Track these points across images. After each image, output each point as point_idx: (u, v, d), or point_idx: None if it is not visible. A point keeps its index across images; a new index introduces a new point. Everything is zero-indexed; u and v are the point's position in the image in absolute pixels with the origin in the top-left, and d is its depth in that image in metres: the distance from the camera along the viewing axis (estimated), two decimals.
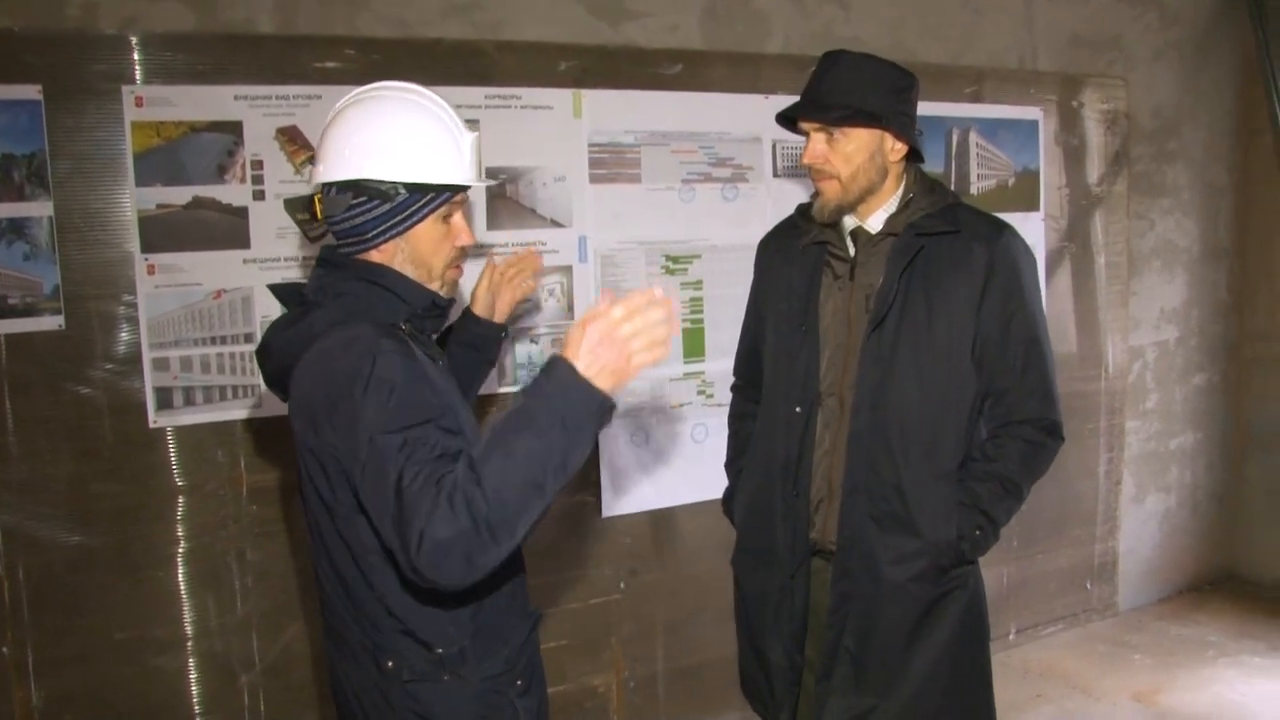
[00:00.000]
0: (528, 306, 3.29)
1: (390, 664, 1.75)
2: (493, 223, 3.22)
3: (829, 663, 2.29)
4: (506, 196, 3.23)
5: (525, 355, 3.31)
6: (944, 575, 2.26)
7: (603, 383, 1.54)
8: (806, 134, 2.28)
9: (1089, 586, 4.71)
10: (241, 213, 2.92)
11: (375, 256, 1.80)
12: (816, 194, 2.32)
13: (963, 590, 2.31)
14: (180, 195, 2.85)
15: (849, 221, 2.32)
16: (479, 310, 2.28)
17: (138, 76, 2.80)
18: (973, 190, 4.13)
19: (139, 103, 2.79)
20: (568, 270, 3.36)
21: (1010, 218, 4.15)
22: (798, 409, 2.32)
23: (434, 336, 1.96)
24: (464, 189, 1.82)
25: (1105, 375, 4.63)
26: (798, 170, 3.60)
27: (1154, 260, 4.78)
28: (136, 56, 2.80)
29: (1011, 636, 4.47)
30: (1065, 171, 4.42)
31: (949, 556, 2.24)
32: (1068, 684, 4.14)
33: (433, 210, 1.79)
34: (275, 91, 2.93)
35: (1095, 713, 3.91)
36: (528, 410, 1.54)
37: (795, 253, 2.39)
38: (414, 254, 1.80)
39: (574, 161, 3.34)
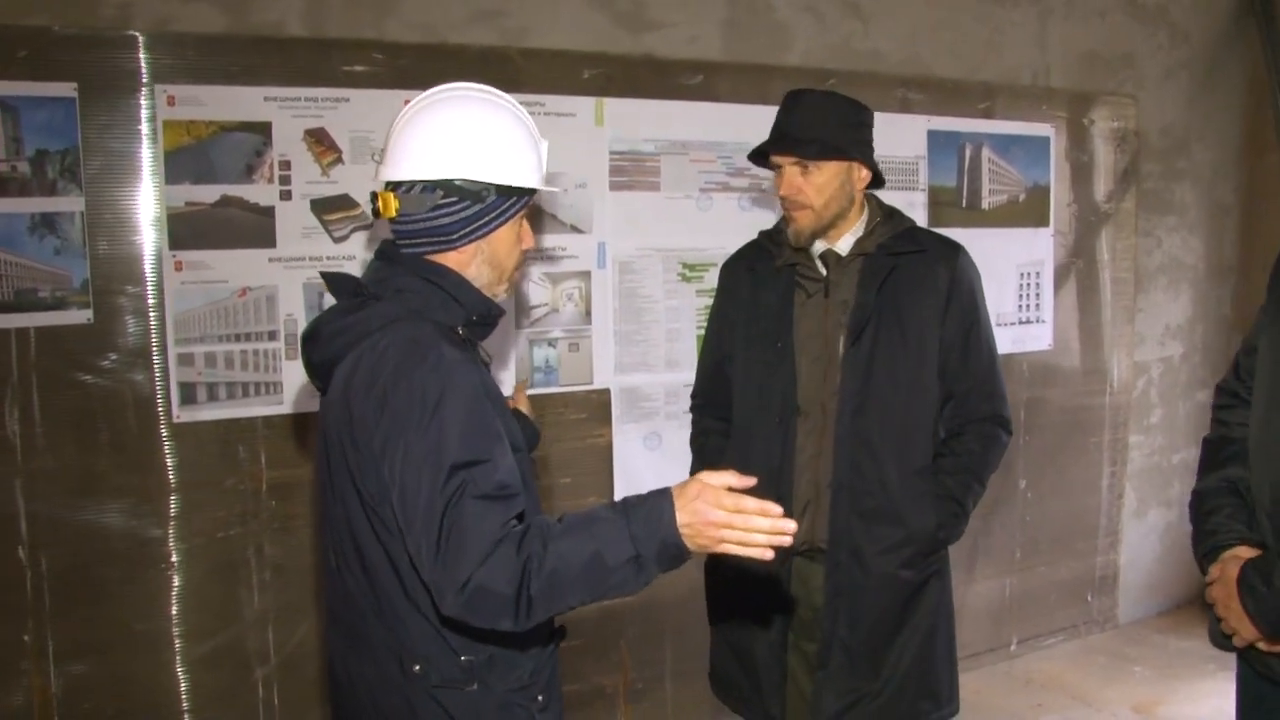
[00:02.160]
0: (546, 310, 3.35)
1: (418, 668, 1.72)
2: None
3: (826, 653, 2.44)
4: None
5: (542, 359, 3.35)
6: (924, 561, 2.46)
7: (688, 538, 1.54)
8: (777, 168, 2.45)
9: (1090, 599, 4.75)
10: (269, 212, 2.96)
11: (453, 257, 1.78)
12: (788, 221, 2.47)
13: (938, 578, 2.52)
14: (209, 194, 2.90)
15: (818, 245, 2.49)
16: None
17: (170, 76, 2.84)
18: (984, 205, 4.18)
19: (170, 102, 2.84)
20: (586, 276, 3.40)
21: (1020, 233, 4.28)
22: (778, 420, 2.48)
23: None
24: (533, 193, 1.84)
25: (1110, 390, 4.68)
26: None
27: (1160, 277, 4.83)
28: (169, 56, 2.84)
29: (1013, 647, 4.51)
30: (1074, 188, 4.47)
31: (929, 543, 2.45)
32: (1069, 695, 4.18)
33: (516, 213, 1.80)
34: (304, 94, 2.97)
35: None
36: (612, 527, 1.53)
37: (767, 275, 2.55)
38: (493, 255, 1.81)
39: (595, 168, 3.39)
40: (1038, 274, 4.36)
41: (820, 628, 2.45)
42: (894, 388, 2.42)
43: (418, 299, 1.74)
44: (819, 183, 2.39)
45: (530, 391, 3.30)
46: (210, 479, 2.97)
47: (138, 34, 2.81)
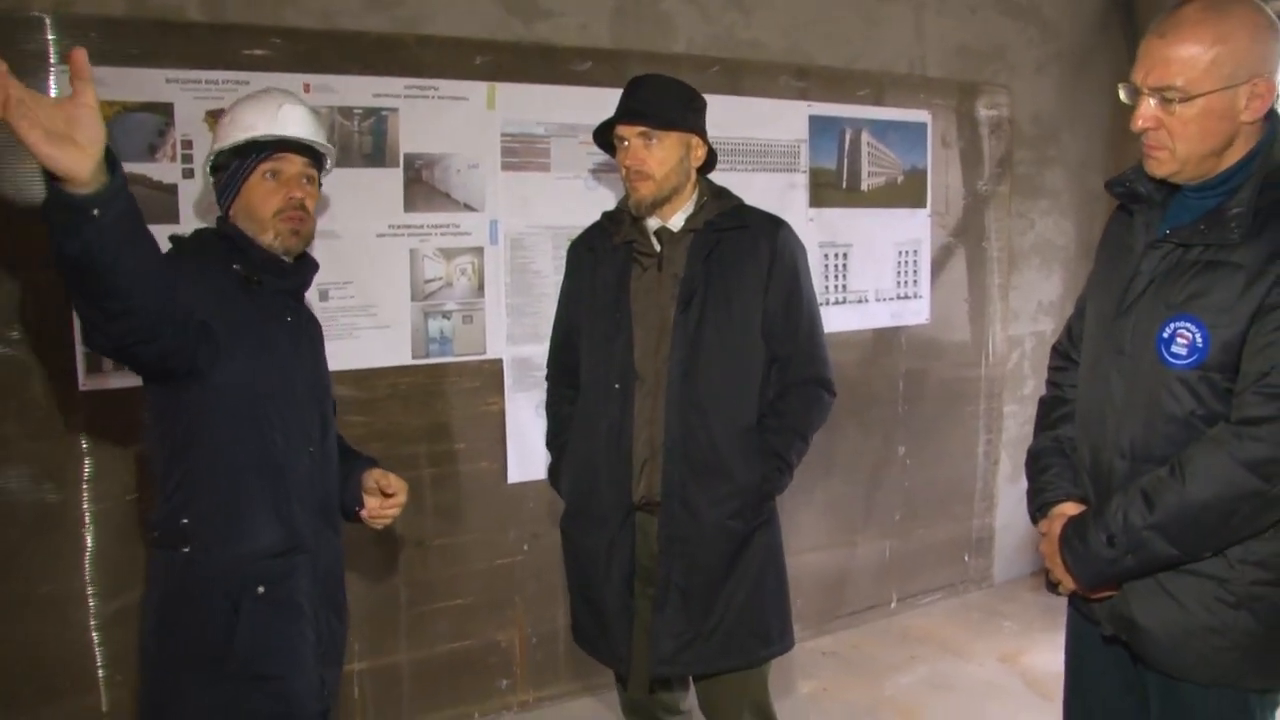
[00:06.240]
0: (441, 284, 3.52)
1: (156, 533, 2.14)
2: (409, 205, 3.44)
3: (662, 597, 2.66)
4: (423, 181, 3.45)
5: (437, 330, 3.53)
6: (752, 512, 2.68)
7: (49, 156, 1.61)
8: (621, 144, 2.68)
9: (967, 559, 5.06)
10: (171, 189, 3.08)
11: (231, 219, 2.26)
12: (630, 192, 2.70)
13: (766, 528, 2.74)
14: None
15: (653, 222, 2.72)
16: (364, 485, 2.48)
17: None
18: (863, 187, 4.43)
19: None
20: (479, 251, 3.59)
21: (898, 213, 4.54)
22: (617, 385, 2.69)
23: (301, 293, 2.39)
24: (284, 150, 2.23)
25: (986, 362, 4.98)
26: None
27: (1033, 257, 5.14)
28: (71, 38, 2.90)
29: (893, 605, 4.80)
30: (952, 171, 4.75)
31: (755, 496, 2.68)
32: (941, 647, 4.48)
33: (254, 167, 2.22)
34: (205, 76, 3.09)
35: (963, 672, 4.26)
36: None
37: (606, 252, 2.78)
38: (246, 208, 2.22)
39: (487, 150, 3.57)
40: (915, 252, 4.63)
41: (657, 574, 2.67)
42: (721, 353, 2.64)
43: (197, 243, 2.24)
44: (660, 155, 2.63)
45: (425, 361, 3.50)
46: (117, 445, 3.09)
47: (39, 15, 2.89)
